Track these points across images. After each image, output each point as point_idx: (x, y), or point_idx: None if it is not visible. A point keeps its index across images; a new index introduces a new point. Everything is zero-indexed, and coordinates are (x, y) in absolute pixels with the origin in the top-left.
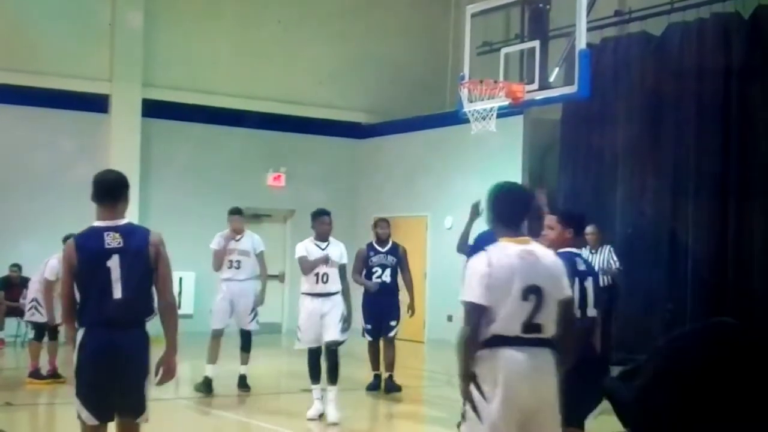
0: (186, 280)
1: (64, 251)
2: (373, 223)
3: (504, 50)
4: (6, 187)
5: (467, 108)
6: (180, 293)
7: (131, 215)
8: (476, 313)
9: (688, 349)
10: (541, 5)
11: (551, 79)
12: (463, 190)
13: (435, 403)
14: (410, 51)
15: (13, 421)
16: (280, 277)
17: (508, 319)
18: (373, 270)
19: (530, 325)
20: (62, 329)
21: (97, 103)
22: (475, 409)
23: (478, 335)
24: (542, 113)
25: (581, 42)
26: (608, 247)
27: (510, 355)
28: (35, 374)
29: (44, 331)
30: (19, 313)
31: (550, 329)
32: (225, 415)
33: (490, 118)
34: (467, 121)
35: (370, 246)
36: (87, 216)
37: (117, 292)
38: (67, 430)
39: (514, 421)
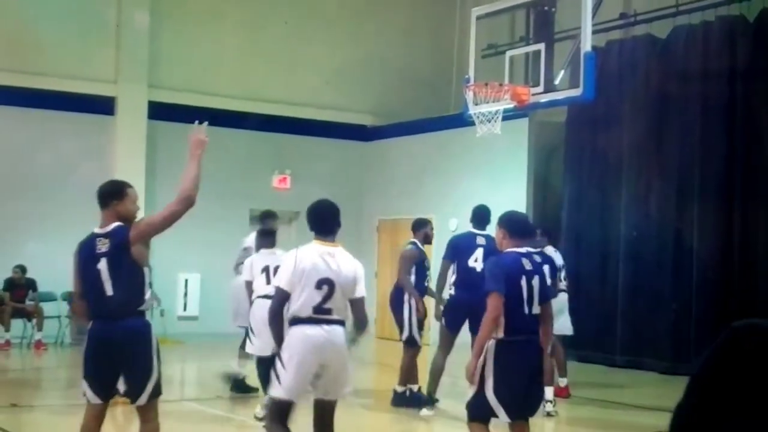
0: (191, 282)
1: (74, 257)
2: (418, 223)
3: (509, 53)
4: (12, 189)
5: (472, 110)
6: (185, 295)
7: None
8: (280, 296)
9: (711, 354)
10: (546, 8)
11: (556, 81)
12: (468, 192)
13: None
14: (415, 53)
15: (19, 422)
16: None
17: (303, 303)
18: (427, 273)
19: (321, 309)
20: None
21: (103, 105)
22: (277, 374)
23: (280, 313)
24: (547, 116)
25: (586, 44)
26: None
27: (302, 331)
28: None
29: None
30: (25, 314)
31: (340, 313)
32: (224, 416)
33: (495, 121)
34: (472, 123)
35: (417, 247)
36: (92, 218)
37: (108, 290)
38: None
39: (306, 382)
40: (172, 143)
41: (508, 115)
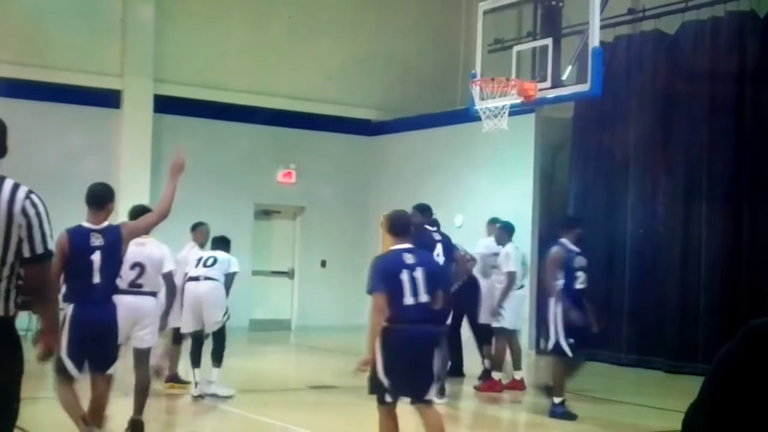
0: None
1: (57, 242)
2: (569, 221)
3: (516, 48)
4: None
5: (479, 105)
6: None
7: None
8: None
9: (727, 353)
10: (554, 2)
11: (563, 77)
12: (473, 188)
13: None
14: (421, 48)
15: (22, 414)
16: (290, 274)
17: (119, 280)
18: (576, 275)
19: (136, 284)
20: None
21: (109, 99)
22: None
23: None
24: (554, 111)
25: (594, 40)
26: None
27: (120, 299)
28: (174, 379)
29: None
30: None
31: (150, 286)
32: (232, 411)
33: (501, 116)
34: (479, 118)
35: (563, 246)
36: None
37: (96, 278)
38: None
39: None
40: (178, 136)
41: (515, 111)
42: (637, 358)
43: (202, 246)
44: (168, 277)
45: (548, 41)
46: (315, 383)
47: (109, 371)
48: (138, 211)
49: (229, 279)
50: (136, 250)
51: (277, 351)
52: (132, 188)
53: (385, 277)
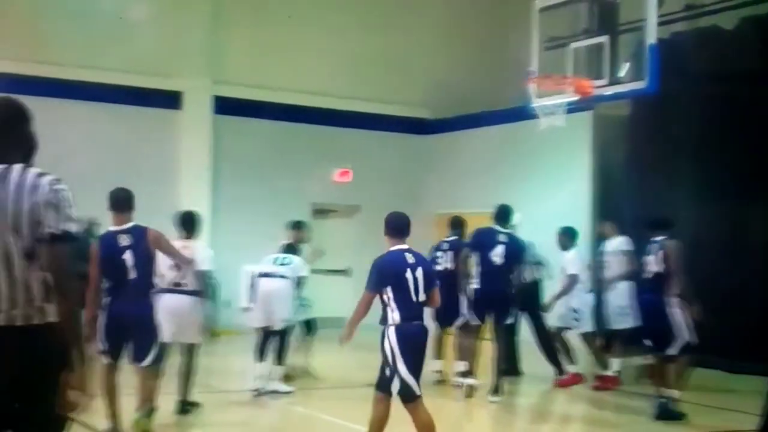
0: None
1: (90, 251)
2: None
3: (572, 45)
4: (81, 182)
5: (535, 103)
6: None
7: (203, 209)
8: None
9: None
10: None
11: (620, 74)
12: (530, 186)
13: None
14: (477, 46)
15: None
16: (348, 272)
17: (161, 279)
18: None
19: (178, 283)
20: None
21: (170, 100)
22: None
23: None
24: (610, 109)
25: (650, 37)
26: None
27: (163, 297)
28: None
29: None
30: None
31: (191, 285)
32: (291, 408)
33: (558, 114)
34: (535, 116)
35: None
36: (158, 211)
37: (132, 275)
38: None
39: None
40: (236, 137)
41: (571, 108)
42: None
43: (299, 243)
44: (200, 275)
45: (604, 38)
46: (374, 381)
47: (146, 362)
48: (185, 219)
49: (299, 282)
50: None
51: (335, 349)
52: (192, 189)
53: (390, 276)
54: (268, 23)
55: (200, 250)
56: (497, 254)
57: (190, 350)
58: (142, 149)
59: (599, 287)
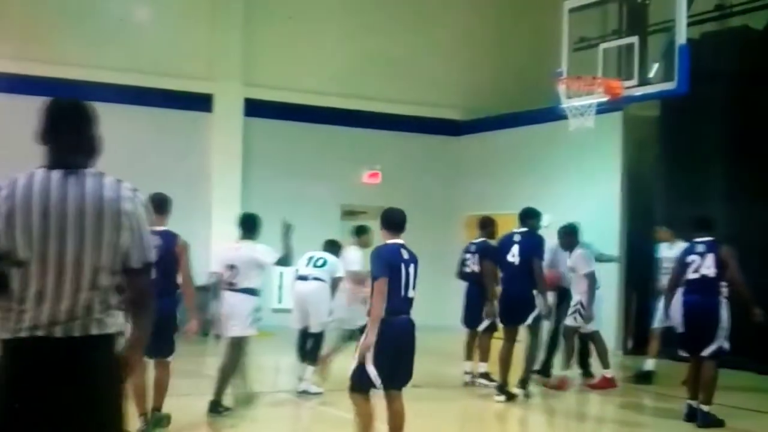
0: (286, 276)
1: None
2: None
3: (602, 46)
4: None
5: (565, 104)
6: (280, 288)
7: (234, 209)
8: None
9: None
10: (639, 0)
11: (650, 74)
12: (559, 187)
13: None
14: (507, 47)
15: None
16: None
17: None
18: None
19: (231, 282)
20: None
21: (201, 103)
22: None
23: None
24: (640, 109)
25: (681, 37)
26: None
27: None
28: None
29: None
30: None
31: (244, 284)
32: (322, 410)
33: (588, 115)
34: (565, 117)
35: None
36: (191, 213)
37: (154, 274)
38: None
39: None
40: (266, 139)
41: (601, 109)
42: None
43: (364, 248)
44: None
45: (634, 39)
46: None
47: (168, 359)
48: (241, 220)
49: (335, 283)
50: (230, 254)
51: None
52: (223, 191)
53: (389, 266)
54: (298, 26)
55: (252, 250)
56: (513, 254)
57: (237, 345)
58: (173, 151)
59: (658, 292)
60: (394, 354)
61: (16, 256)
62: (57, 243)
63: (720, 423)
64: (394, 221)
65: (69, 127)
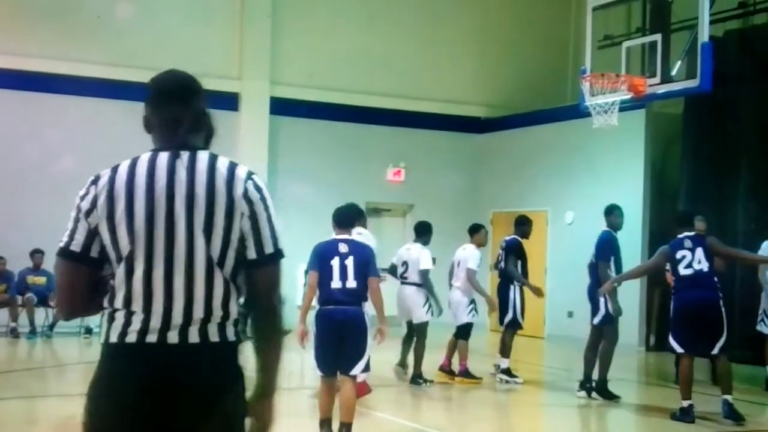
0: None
1: None
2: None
3: (625, 44)
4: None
5: (589, 102)
6: (305, 285)
7: None
8: None
9: None
10: None
11: (673, 72)
12: (584, 184)
13: (555, 400)
14: (531, 45)
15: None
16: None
17: None
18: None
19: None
20: None
21: (227, 101)
22: None
23: None
24: (664, 107)
25: (704, 35)
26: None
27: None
28: (466, 374)
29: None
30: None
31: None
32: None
33: (611, 112)
34: (589, 114)
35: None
36: None
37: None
38: None
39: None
40: (292, 137)
41: (625, 107)
42: (750, 354)
43: (480, 246)
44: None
45: (657, 37)
46: (435, 380)
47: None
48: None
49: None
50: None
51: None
52: None
53: (316, 261)
54: (323, 24)
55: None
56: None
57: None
58: None
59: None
60: (329, 341)
61: (119, 250)
62: (164, 232)
63: (741, 418)
64: (337, 218)
65: (171, 101)
